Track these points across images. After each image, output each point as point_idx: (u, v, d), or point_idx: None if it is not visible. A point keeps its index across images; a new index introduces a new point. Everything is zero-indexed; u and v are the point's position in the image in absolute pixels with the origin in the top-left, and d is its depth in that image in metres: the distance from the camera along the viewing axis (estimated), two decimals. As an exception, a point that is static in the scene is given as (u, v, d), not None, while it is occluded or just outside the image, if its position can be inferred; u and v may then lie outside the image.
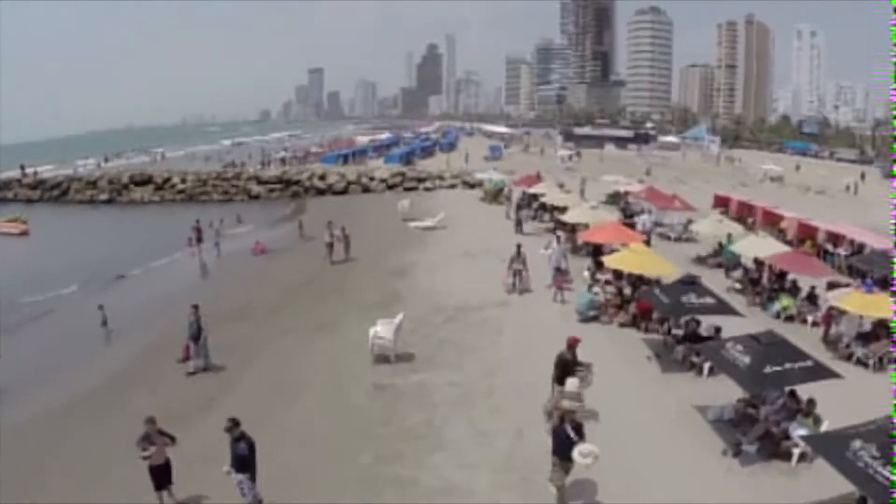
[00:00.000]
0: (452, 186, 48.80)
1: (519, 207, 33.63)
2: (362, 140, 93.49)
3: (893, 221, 24.92)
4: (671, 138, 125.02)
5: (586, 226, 26.40)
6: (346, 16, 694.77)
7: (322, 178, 50.41)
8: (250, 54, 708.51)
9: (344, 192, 49.07)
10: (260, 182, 52.39)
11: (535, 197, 35.75)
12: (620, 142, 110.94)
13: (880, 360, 15.94)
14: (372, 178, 49.79)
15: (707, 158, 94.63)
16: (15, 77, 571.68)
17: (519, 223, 30.96)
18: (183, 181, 55.02)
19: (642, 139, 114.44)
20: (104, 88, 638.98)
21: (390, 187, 48.81)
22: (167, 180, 55.38)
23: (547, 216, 33.50)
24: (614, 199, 42.75)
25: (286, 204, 48.89)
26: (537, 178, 40.97)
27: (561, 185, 43.65)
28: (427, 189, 48.45)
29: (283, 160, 74.26)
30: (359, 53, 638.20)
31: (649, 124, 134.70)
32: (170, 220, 43.56)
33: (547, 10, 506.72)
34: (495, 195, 41.00)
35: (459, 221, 34.50)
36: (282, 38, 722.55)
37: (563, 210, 29.87)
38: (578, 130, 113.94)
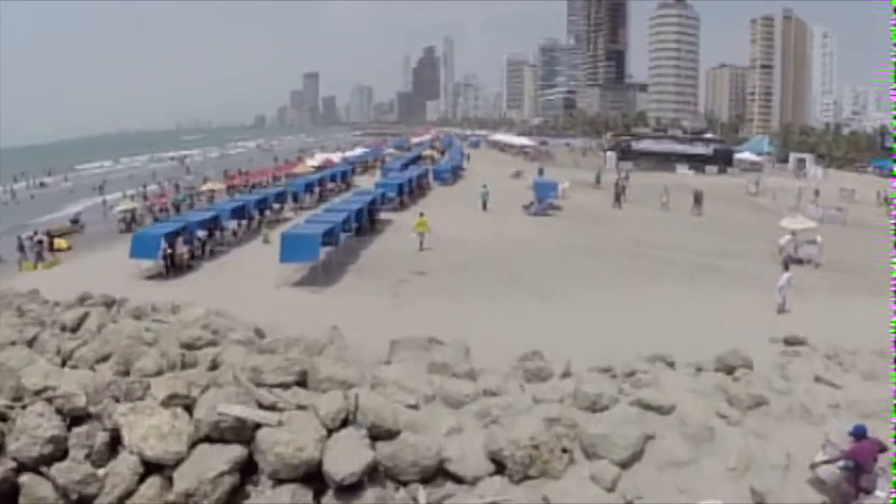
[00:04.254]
0: None
1: None
2: (307, 167, 53.40)
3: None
4: (748, 155, 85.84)
5: None
6: (342, 19, 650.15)
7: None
8: (246, 58, 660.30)
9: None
10: None
11: None
12: (696, 162, 71.68)
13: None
14: None
15: (845, 196, 54.37)
16: (13, 79, 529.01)
17: None
18: None
19: (723, 158, 75.15)
20: (102, 92, 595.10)
21: None
22: None
23: None
24: None
25: None
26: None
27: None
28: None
29: (127, 221, 34.84)
30: (355, 57, 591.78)
31: (709, 135, 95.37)
32: None
33: (549, 11, 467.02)
34: None
35: None
36: (277, 42, 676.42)
37: None
38: (638, 145, 74.17)
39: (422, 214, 26.34)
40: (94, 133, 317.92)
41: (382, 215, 32.13)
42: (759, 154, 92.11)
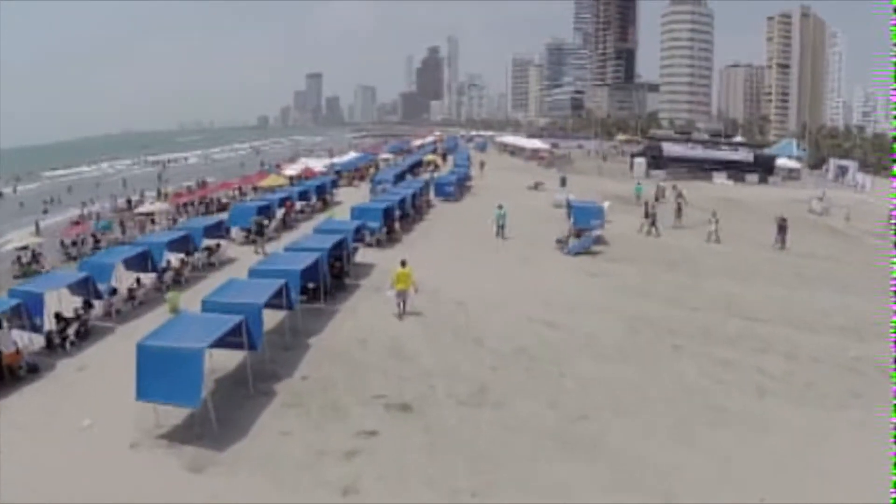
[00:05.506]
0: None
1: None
2: (281, 178, 43.10)
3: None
4: (787, 161, 75.57)
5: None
6: (346, 19, 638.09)
7: None
8: (250, 59, 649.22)
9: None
10: None
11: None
12: (735, 170, 61.65)
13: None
14: None
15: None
16: (15, 79, 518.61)
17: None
18: None
19: (764, 165, 65.03)
20: (106, 92, 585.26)
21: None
22: None
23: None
24: None
25: None
26: None
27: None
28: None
29: (24, 262, 25.19)
30: (358, 58, 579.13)
31: (738, 137, 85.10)
32: None
33: (554, 11, 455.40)
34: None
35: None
36: (281, 43, 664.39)
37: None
38: (671, 149, 63.91)
39: (403, 264, 16.52)
40: (97, 133, 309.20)
41: (361, 254, 22.40)
42: (789, 157, 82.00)
